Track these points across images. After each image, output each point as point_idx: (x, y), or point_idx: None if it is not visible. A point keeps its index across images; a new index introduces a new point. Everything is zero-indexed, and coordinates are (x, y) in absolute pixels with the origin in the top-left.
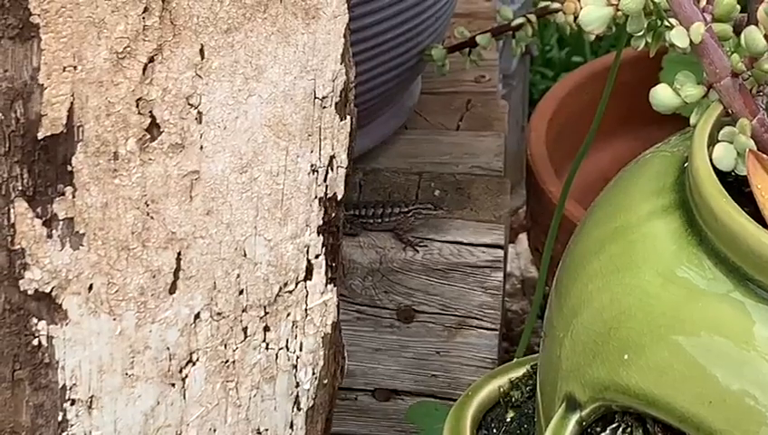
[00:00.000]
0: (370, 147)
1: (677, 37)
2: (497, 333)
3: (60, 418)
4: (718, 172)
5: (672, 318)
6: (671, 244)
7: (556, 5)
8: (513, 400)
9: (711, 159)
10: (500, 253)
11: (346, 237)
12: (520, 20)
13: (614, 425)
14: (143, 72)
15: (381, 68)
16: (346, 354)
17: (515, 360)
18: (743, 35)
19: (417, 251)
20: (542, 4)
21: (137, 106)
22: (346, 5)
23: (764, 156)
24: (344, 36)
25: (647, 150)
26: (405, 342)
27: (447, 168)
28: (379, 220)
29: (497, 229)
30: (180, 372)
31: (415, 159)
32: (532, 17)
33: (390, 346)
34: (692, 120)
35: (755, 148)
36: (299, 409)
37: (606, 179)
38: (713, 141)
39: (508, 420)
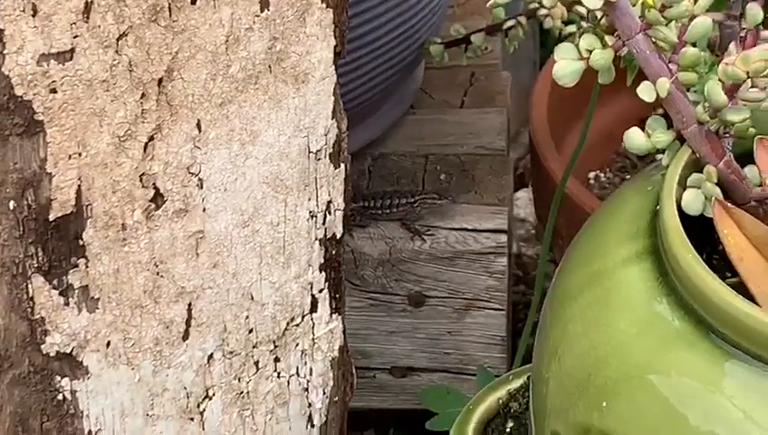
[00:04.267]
0: (376, 135)
1: (644, 92)
2: (504, 313)
3: None
4: None
5: (645, 368)
6: (644, 292)
7: (544, 11)
8: (512, 410)
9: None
10: (503, 238)
11: (356, 229)
12: (511, 22)
13: None
14: (144, 150)
15: (382, 66)
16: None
17: (512, 371)
18: (705, 88)
19: (425, 240)
20: (532, 5)
21: (140, 181)
22: (333, 67)
23: (729, 204)
24: (333, 94)
25: (625, 183)
26: (417, 324)
27: (452, 149)
28: (387, 211)
29: (500, 214)
30: (198, 407)
31: (421, 141)
32: (522, 19)
33: (404, 328)
34: (663, 162)
35: (721, 194)
36: (312, 426)
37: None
38: (684, 183)
39: (508, 430)
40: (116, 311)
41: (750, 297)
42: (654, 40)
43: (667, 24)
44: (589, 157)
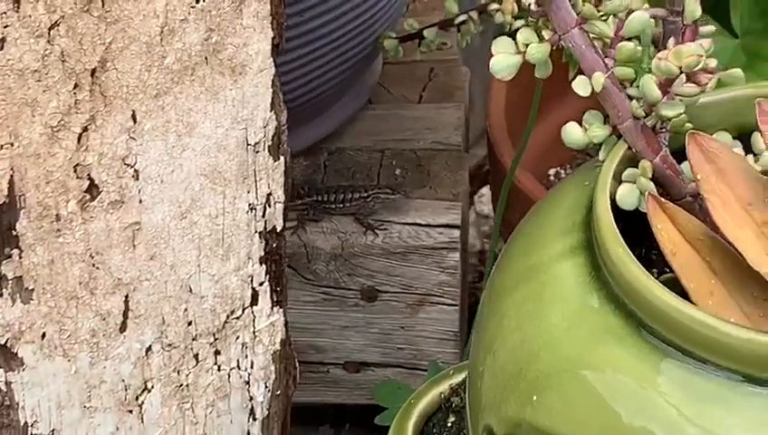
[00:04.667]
0: (332, 130)
1: (580, 86)
2: (458, 308)
3: None
4: None
5: (576, 362)
6: (576, 287)
7: (495, 6)
8: (454, 405)
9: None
10: (456, 233)
11: (309, 223)
12: (463, 17)
13: None
14: (78, 141)
15: (338, 60)
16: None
17: (454, 366)
18: (641, 83)
19: (377, 235)
20: (484, 1)
21: (75, 171)
22: (272, 60)
23: (663, 199)
24: (272, 87)
25: (566, 177)
26: (370, 319)
27: (409, 144)
28: (341, 205)
29: (454, 209)
30: (137, 399)
31: (378, 136)
32: (474, 14)
33: (357, 323)
34: (600, 156)
35: (654, 189)
36: (254, 419)
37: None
38: (619, 178)
39: (449, 424)
40: (51, 302)
41: (684, 292)
42: (590, 35)
43: (605, 19)
44: (549, 153)
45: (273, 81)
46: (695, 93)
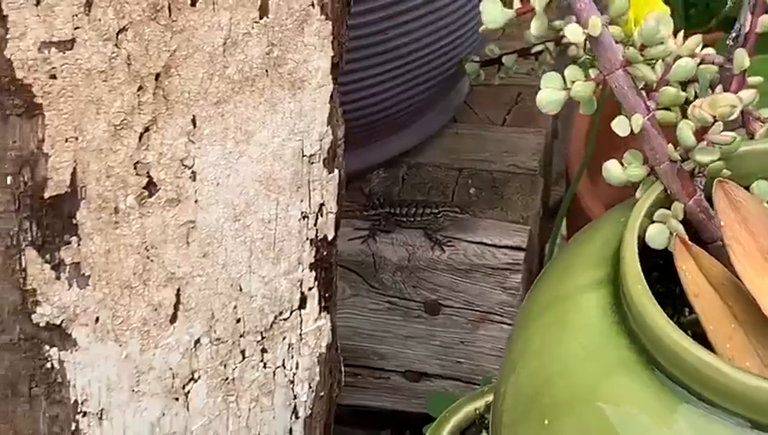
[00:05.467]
0: (414, 145)
1: (619, 126)
2: None
3: (73, 428)
4: None
5: (587, 391)
6: (596, 319)
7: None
8: (487, 421)
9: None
10: (520, 255)
11: (380, 233)
12: (539, 47)
13: None
14: (139, 140)
15: (418, 79)
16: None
17: (491, 385)
18: (678, 129)
19: (444, 251)
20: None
21: (135, 168)
22: (331, 77)
23: (689, 242)
24: (330, 102)
25: (606, 212)
26: (432, 331)
27: (486, 165)
28: (412, 219)
29: (521, 232)
30: (183, 388)
31: (457, 154)
32: (550, 45)
33: (419, 334)
34: (637, 195)
35: (683, 231)
36: (297, 417)
37: None
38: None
39: None
40: (106, 289)
41: (704, 334)
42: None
43: (653, 63)
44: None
45: (331, 96)
46: (729, 142)
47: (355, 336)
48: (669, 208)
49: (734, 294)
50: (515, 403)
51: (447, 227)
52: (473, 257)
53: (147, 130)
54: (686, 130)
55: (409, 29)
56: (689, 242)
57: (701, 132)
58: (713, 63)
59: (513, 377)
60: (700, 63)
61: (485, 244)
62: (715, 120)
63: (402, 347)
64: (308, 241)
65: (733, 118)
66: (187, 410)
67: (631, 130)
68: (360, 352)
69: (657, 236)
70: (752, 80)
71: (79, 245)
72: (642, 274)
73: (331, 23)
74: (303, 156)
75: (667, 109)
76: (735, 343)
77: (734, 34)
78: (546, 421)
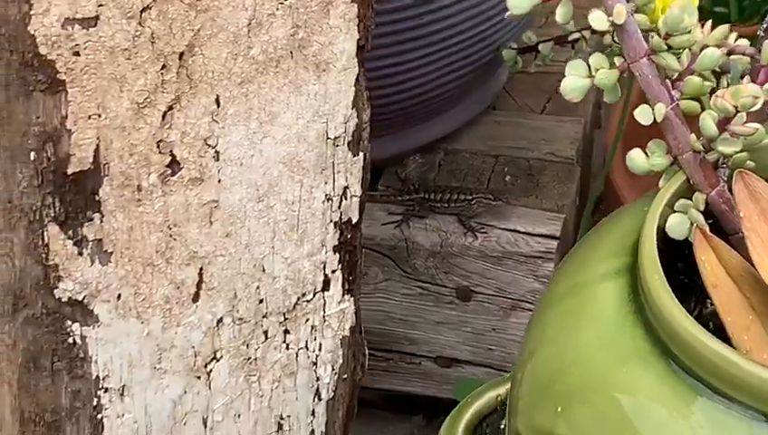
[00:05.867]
0: (451, 131)
1: (641, 114)
2: None
3: (95, 403)
4: None
5: (600, 380)
6: (613, 308)
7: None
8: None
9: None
10: (553, 244)
11: (414, 219)
12: (576, 35)
13: None
14: (163, 119)
15: (454, 65)
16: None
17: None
18: (701, 119)
19: (477, 237)
20: None
21: (158, 147)
22: (356, 59)
23: (709, 233)
24: (355, 85)
25: (631, 203)
26: (464, 317)
27: (523, 152)
28: (446, 205)
29: (556, 220)
30: (205, 367)
31: (495, 141)
32: (586, 33)
33: (451, 320)
34: (660, 184)
35: (704, 222)
36: (320, 399)
37: None
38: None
39: (502, 426)
40: (128, 266)
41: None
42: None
43: (679, 53)
44: None
45: (357, 79)
46: (751, 133)
47: (387, 321)
48: (691, 199)
49: (753, 285)
50: (530, 390)
51: (481, 213)
52: (505, 245)
53: (170, 108)
54: (708, 121)
55: (445, 14)
56: (709, 233)
57: (725, 123)
58: (744, 54)
59: (530, 364)
60: (730, 54)
61: (519, 231)
62: (737, 111)
63: (434, 333)
64: (332, 223)
65: (756, 109)
66: (209, 388)
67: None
68: (392, 337)
69: (677, 226)
70: None
71: (101, 221)
72: (659, 263)
73: (356, 5)
74: (328, 138)
75: (696, 99)
76: (753, 334)
77: (765, 26)
78: (559, 409)
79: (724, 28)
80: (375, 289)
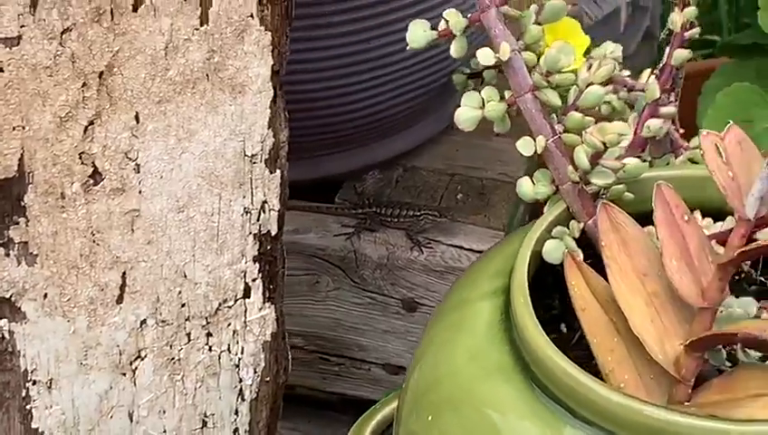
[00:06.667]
0: (410, 148)
1: (523, 146)
2: None
3: (24, 394)
4: None
5: (468, 392)
6: (486, 325)
7: None
8: None
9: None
10: None
11: (365, 232)
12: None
13: None
14: (84, 132)
15: (410, 86)
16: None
17: None
18: (575, 152)
19: (422, 252)
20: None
21: (80, 158)
22: (271, 84)
23: (578, 259)
24: (271, 107)
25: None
26: (410, 327)
27: (477, 172)
28: (396, 220)
29: (500, 238)
30: (130, 364)
31: (452, 160)
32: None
33: (397, 330)
34: (545, 211)
35: (576, 249)
36: (243, 399)
37: None
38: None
39: None
40: (53, 268)
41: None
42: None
43: (567, 89)
44: None
45: (272, 102)
46: (618, 168)
47: (338, 327)
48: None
49: (618, 310)
50: (411, 398)
51: (429, 229)
52: (449, 260)
53: (91, 123)
54: (581, 154)
55: (394, 39)
56: (579, 259)
57: (597, 157)
58: (632, 91)
59: (414, 373)
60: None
61: (463, 248)
62: (606, 147)
63: (382, 341)
64: (251, 235)
65: (623, 145)
66: (135, 385)
67: None
68: (343, 343)
69: (553, 251)
70: (664, 109)
71: (27, 225)
72: (527, 286)
73: (270, 33)
74: (245, 156)
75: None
76: (616, 356)
77: (660, 65)
78: (430, 417)
79: (609, 68)
80: (326, 297)
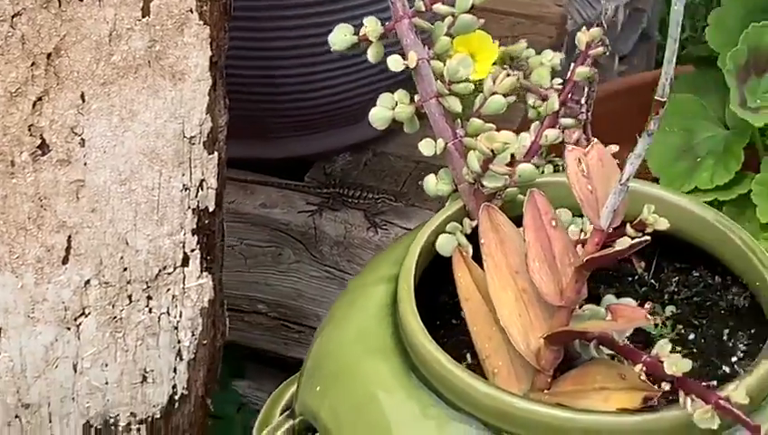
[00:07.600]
0: (377, 135)
1: (424, 147)
2: None
3: None
4: None
5: (351, 368)
6: (377, 307)
7: None
8: None
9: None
10: None
11: (327, 210)
12: None
13: None
14: (33, 107)
15: (373, 77)
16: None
17: None
18: (468, 157)
19: (377, 233)
20: None
21: (29, 130)
22: (209, 73)
23: (464, 254)
24: (209, 94)
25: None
26: None
27: (442, 161)
28: (357, 201)
29: None
30: (75, 320)
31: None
32: None
33: None
34: (446, 206)
35: (466, 244)
36: (181, 359)
37: None
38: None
39: None
40: (3, 228)
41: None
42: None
43: (474, 97)
44: None
45: (211, 89)
46: (505, 174)
47: (299, 298)
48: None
49: None
50: (307, 370)
51: (386, 211)
52: None
53: (39, 99)
54: (472, 159)
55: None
56: (465, 254)
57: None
58: (540, 98)
59: (313, 346)
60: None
61: None
62: (494, 153)
63: None
64: (190, 210)
65: (506, 153)
66: (78, 339)
67: None
68: (303, 313)
69: (445, 244)
70: (564, 120)
71: None
72: (413, 275)
73: (209, 27)
74: (185, 137)
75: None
76: (493, 344)
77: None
78: (318, 388)
79: (512, 80)
80: (288, 268)
